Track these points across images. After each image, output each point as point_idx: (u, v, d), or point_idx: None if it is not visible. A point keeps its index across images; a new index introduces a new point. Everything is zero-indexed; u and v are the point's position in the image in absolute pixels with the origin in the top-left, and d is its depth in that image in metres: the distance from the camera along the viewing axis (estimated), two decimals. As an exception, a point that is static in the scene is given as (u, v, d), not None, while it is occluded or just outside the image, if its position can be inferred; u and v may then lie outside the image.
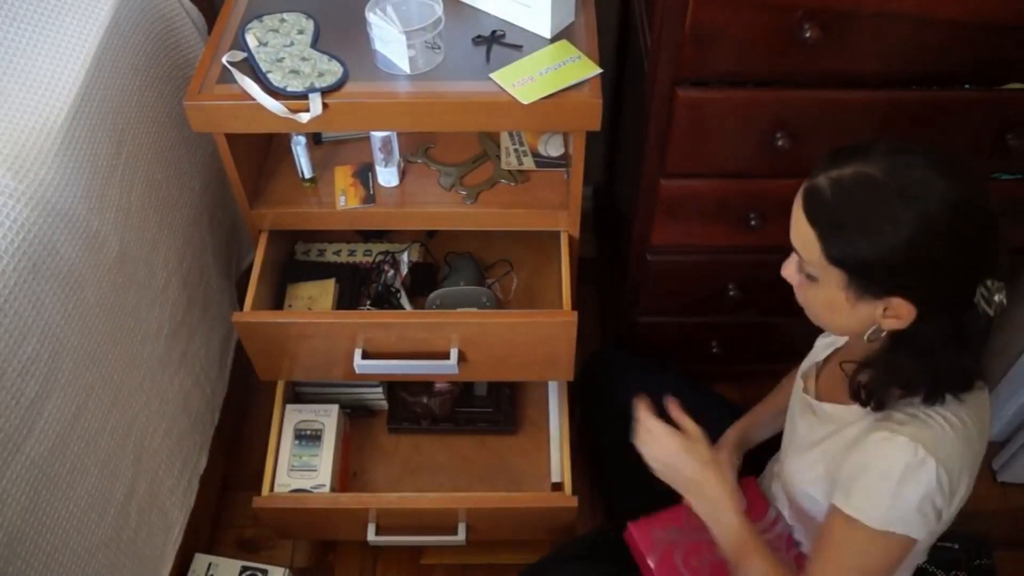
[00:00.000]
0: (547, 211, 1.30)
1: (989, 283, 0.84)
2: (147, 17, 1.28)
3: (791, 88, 1.10)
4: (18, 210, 0.96)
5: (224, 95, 1.11)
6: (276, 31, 1.17)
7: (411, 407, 1.49)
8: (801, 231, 0.87)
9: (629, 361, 1.44)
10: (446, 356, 1.27)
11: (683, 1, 1.01)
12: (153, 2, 1.30)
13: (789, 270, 0.93)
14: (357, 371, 1.28)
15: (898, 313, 0.85)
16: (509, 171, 1.34)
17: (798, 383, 1.09)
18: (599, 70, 1.12)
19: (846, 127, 1.14)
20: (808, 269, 0.89)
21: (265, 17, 1.19)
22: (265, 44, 1.15)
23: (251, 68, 1.13)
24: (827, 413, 1.00)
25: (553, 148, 1.36)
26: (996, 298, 0.85)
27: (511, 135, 1.38)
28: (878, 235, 0.82)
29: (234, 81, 1.11)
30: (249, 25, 1.17)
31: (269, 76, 1.11)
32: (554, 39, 1.16)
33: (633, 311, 1.48)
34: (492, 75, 1.11)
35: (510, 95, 1.09)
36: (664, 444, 1.04)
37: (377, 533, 1.35)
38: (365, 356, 1.27)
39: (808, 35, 1.00)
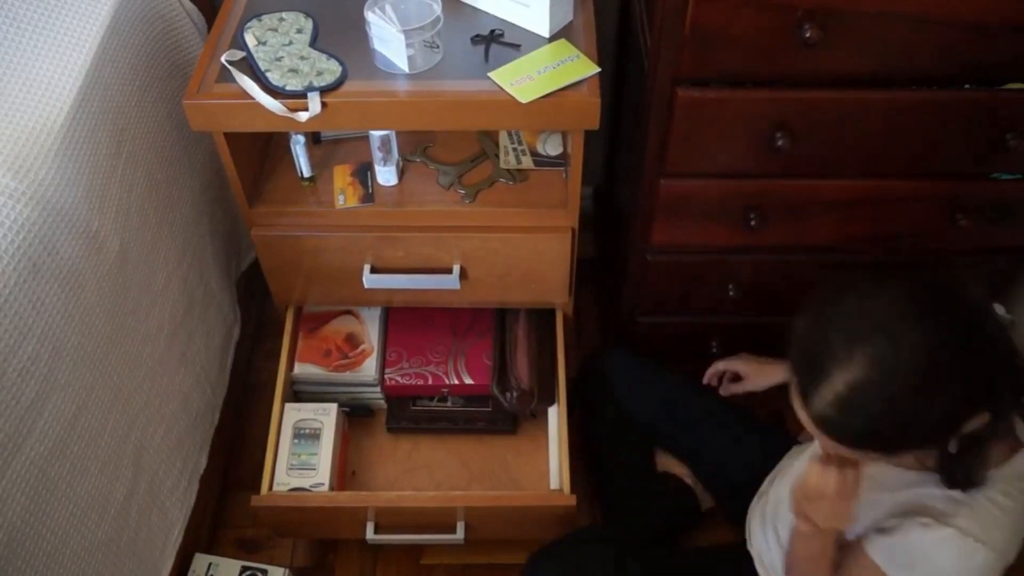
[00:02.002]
0: (546, 210, 1.30)
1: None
2: (147, 17, 1.28)
3: (791, 88, 1.10)
4: (18, 210, 0.96)
5: (223, 94, 1.11)
6: (275, 30, 1.17)
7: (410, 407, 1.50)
8: (837, 448, 0.87)
9: (628, 361, 1.44)
10: (449, 271, 1.32)
11: (683, 1, 1.01)
12: (153, 2, 1.30)
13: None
14: (366, 285, 1.33)
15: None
16: (508, 170, 1.34)
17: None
18: (597, 69, 1.12)
19: (846, 127, 1.14)
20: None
21: (264, 16, 1.19)
22: (264, 43, 1.15)
23: (250, 67, 1.13)
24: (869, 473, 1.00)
25: (552, 147, 1.36)
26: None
27: (510, 134, 1.38)
28: (891, 421, 0.82)
29: (233, 80, 1.11)
30: (248, 24, 1.17)
31: (268, 75, 1.11)
32: (553, 38, 1.16)
33: (633, 311, 1.48)
34: (491, 74, 1.11)
35: (509, 94, 1.09)
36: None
37: (376, 532, 1.35)
38: (373, 272, 1.33)
39: (808, 35, 0.99)
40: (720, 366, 1.37)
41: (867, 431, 0.83)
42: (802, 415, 0.87)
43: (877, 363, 0.80)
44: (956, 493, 0.91)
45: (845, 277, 0.88)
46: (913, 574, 0.93)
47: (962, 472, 0.90)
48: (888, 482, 1.00)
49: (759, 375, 1.32)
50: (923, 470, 0.95)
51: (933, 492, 0.93)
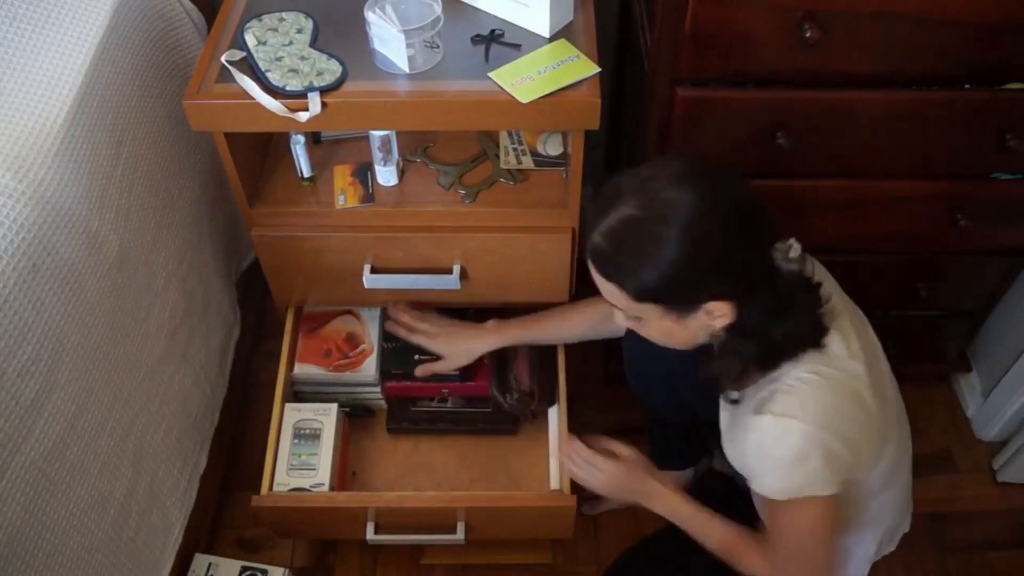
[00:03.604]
0: (546, 210, 1.30)
1: (778, 246, 0.95)
2: (147, 17, 1.28)
3: (791, 88, 1.10)
4: (18, 210, 0.96)
5: (223, 94, 1.11)
6: (275, 30, 1.17)
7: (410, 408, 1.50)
8: (603, 288, 0.97)
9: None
10: (449, 271, 1.32)
11: (683, 1, 1.01)
12: (153, 2, 1.30)
13: (620, 319, 1.03)
14: (366, 285, 1.33)
15: (721, 312, 0.94)
16: (508, 170, 1.34)
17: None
18: (598, 69, 1.12)
19: (846, 127, 1.14)
20: (630, 314, 0.99)
21: (264, 16, 1.19)
22: (264, 43, 1.15)
23: (250, 67, 1.13)
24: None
25: (552, 147, 1.36)
26: (791, 254, 0.95)
27: (510, 134, 1.39)
28: (658, 261, 0.90)
29: (233, 80, 1.11)
30: (248, 24, 1.17)
31: (268, 75, 1.11)
32: (553, 38, 1.16)
33: (633, 311, 1.47)
34: (491, 74, 1.11)
35: (509, 94, 1.09)
36: (606, 473, 1.21)
37: (376, 532, 1.35)
38: (374, 272, 1.33)
39: (808, 35, 1.00)
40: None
41: (628, 268, 0.92)
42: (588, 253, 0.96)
43: (649, 206, 0.89)
44: (771, 385, 0.98)
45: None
46: (774, 478, 0.99)
47: (718, 372, 1.01)
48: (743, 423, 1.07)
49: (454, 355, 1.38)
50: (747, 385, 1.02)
51: (756, 397, 1.00)
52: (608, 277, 0.95)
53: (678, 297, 0.94)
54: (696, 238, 0.89)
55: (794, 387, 0.96)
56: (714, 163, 0.95)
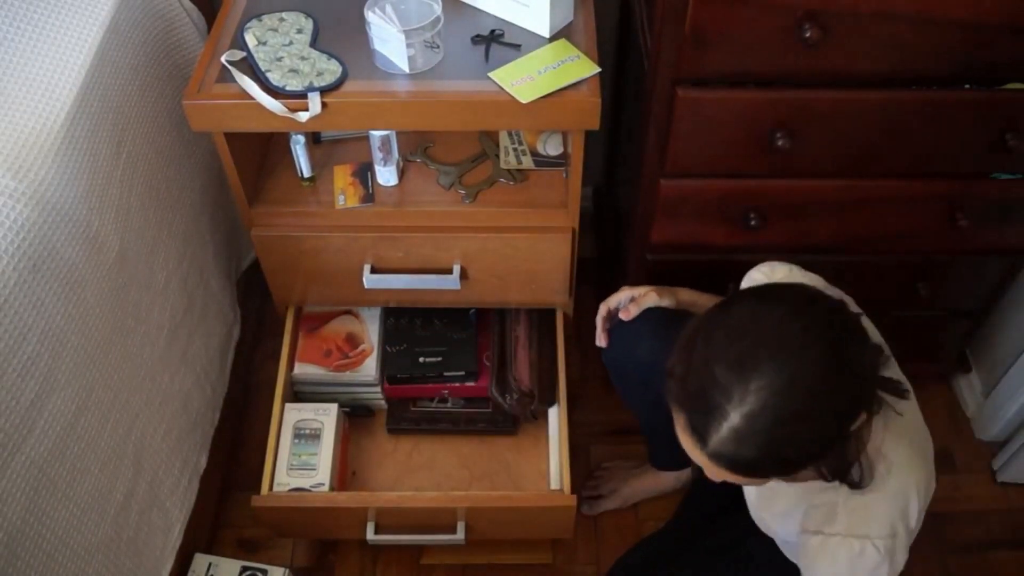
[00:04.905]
0: (546, 210, 1.30)
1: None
2: (147, 17, 1.28)
3: (791, 88, 1.10)
4: (18, 210, 0.96)
5: (223, 94, 1.11)
6: (275, 30, 1.17)
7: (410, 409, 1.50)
8: (743, 481, 0.86)
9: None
10: (449, 271, 1.33)
11: (683, 1, 1.01)
12: (153, 2, 1.30)
13: (717, 479, 0.90)
14: (366, 285, 1.33)
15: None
16: (508, 170, 1.34)
17: None
18: (598, 69, 1.12)
19: (846, 127, 1.14)
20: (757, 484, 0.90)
21: (264, 16, 1.19)
22: (264, 43, 1.15)
23: (250, 67, 1.13)
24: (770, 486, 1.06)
25: (552, 147, 1.36)
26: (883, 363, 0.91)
27: (510, 134, 1.39)
28: (813, 439, 0.81)
29: (233, 80, 1.11)
30: (248, 24, 1.17)
31: (268, 75, 1.11)
32: (553, 38, 1.16)
33: (633, 311, 1.47)
34: (491, 74, 1.11)
35: (509, 94, 1.09)
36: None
37: (376, 532, 1.35)
38: (374, 272, 1.33)
39: (808, 35, 1.00)
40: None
41: (767, 458, 0.81)
42: (695, 454, 0.85)
43: (772, 391, 0.78)
44: (832, 495, 0.93)
45: (712, 313, 0.86)
46: None
47: (845, 467, 0.90)
48: (790, 501, 1.04)
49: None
50: (816, 479, 0.94)
51: (819, 500, 0.96)
52: (757, 477, 0.85)
53: (798, 466, 0.85)
54: (827, 406, 0.80)
55: (856, 501, 0.91)
56: (782, 289, 0.88)
